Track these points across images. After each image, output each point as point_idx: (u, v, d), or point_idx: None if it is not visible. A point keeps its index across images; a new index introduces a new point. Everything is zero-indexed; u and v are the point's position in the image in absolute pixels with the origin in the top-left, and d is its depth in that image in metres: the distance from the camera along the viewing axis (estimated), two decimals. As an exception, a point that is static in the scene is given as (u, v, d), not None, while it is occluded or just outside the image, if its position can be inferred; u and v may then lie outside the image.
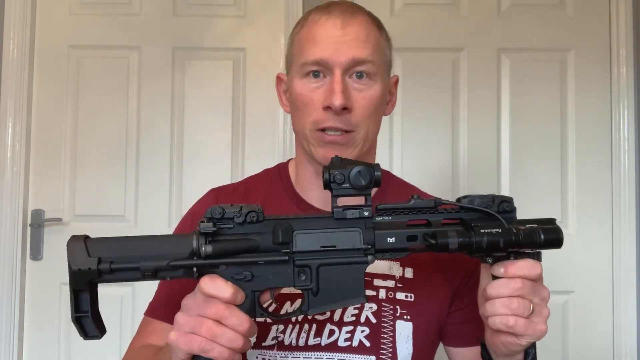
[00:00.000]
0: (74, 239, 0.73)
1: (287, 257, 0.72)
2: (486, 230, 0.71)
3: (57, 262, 2.00)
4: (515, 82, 2.03)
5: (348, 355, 0.90)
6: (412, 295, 0.93)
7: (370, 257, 0.73)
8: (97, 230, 2.11)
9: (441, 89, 2.03)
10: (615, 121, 2.00)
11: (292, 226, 0.73)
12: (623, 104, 1.99)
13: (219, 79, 2.06)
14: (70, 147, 2.04)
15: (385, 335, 0.91)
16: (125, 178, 2.03)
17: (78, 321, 0.74)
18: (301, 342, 0.90)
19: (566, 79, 2.03)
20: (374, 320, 0.91)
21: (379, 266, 0.91)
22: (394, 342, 0.91)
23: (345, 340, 0.90)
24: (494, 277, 0.74)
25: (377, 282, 0.93)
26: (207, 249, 0.70)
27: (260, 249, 0.72)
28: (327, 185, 0.73)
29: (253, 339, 0.81)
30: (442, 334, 0.98)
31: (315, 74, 0.91)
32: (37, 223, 2.01)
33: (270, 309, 0.78)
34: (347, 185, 0.73)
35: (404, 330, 0.91)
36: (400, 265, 0.94)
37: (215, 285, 0.70)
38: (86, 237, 0.73)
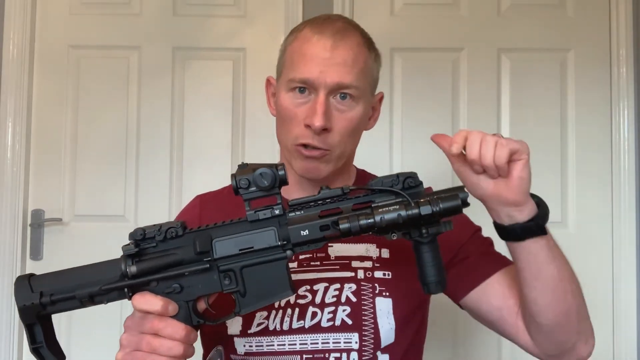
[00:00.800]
0: (19, 278, 0.79)
1: (208, 265, 0.76)
2: (384, 209, 0.74)
3: (57, 262, 1.99)
4: (515, 82, 2.03)
5: (332, 334, 0.93)
6: (390, 273, 0.97)
7: (288, 252, 0.77)
8: (97, 230, 2.12)
9: (441, 89, 2.03)
10: (615, 121, 2.00)
11: (210, 235, 0.77)
12: (623, 104, 1.99)
13: (219, 79, 2.06)
14: (70, 147, 2.04)
15: (366, 312, 0.94)
16: (125, 178, 2.04)
17: (36, 351, 0.78)
18: (285, 327, 0.93)
19: (566, 79, 2.03)
20: (354, 299, 0.95)
21: (355, 249, 0.97)
22: (375, 318, 0.94)
23: (328, 320, 0.93)
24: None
25: (355, 263, 0.97)
26: (132, 269, 0.75)
27: (184, 262, 0.76)
28: (236, 191, 0.77)
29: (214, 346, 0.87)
30: (453, 292, 0.99)
31: (301, 90, 0.95)
32: (37, 223, 2.01)
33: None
34: (254, 188, 0.76)
35: (384, 306, 0.95)
36: (377, 247, 0.99)
37: (146, 301, 0.75)
38: (31, 276, 0.79)
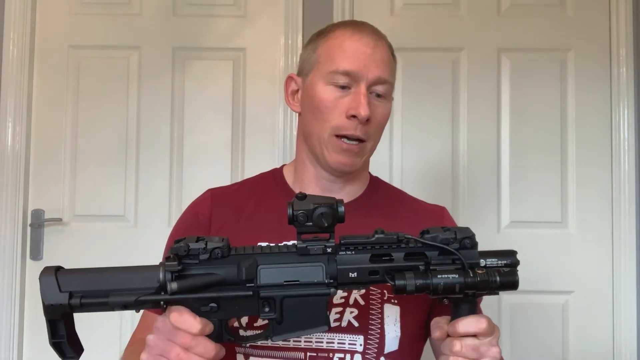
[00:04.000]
0: (45, 272, 0.74)
1: (251, 293, 0.74)
2: (443, 276, 0.73)
3: (57, 262, 1.98)
4: (515, 82, 2.03)
5: (337, 335, 0.93)
6: None
7: (332, 290, 0.76)
8: (97, 230, 2.12)
9: (441, 89, 2.03)
10: (615, 121, 2.00)
11: (256, 261, 0.75)
12: (623, 104, 1.99)
13: (219, 79, 2.06)
14: (70, 147, 2.04)
15: (373, 317, 0.95)
16: (125, 178, 2.03)
17: (56, 346, 0.78)
18: None
19: (566, 79, 2.03)
20: (362, 303, 0.95)
21: None
22: (382, 323, 0.95)
23: (335, 320, 0.94)
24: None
25: None
26: (173, 286, 0.72)
27: (225, 282, 0.74)
28: (291, 221, 0.75)
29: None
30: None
31: (342, 87, 0.98)
32: (37, 223, 2.01)
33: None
34: (310, 223, 0.74)
35: (392, 313, 0.96)
36: None
37: (184, 320, 0.72)
38: (58, 270, 0.75)
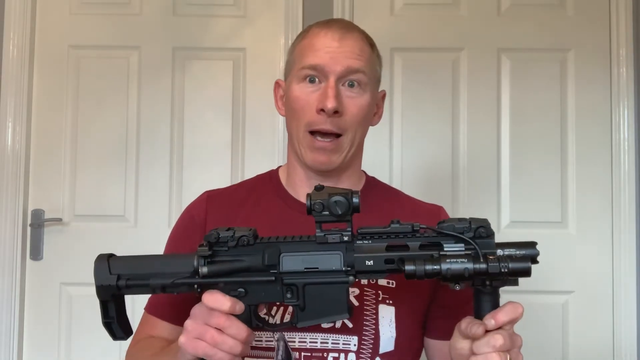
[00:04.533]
0: (99, 258, 0.84)
1: (274, 278, 0.80)
2: (452, 260, 0.74)
3: (57, 262, 2.00)
4: (515, 82, 2.03)
5: (331, 335, 0.94)
6: (394, 281, 0.98)
7: (351, 278, 0.79)
8: (97, 230, 2.12)
9: (441, 89, 2.03)
10: (615, 121, 2.00)
11: (279, 249, 0.81)
12: (623, 104, 1.99)
13: (219, 79, 2.06)
14: (70, 147, 2.04)
15: (368, 318, 0.95)
16: (125, 178, 2.03)
17: (107, 325, 0.85)
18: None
19: (566, 79, 2.03)
20: (356, 303, 0.95)
21: None
22: (376, 324, 0.95)
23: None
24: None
25: None
26: (204, 270, 0.80)
27: (251, 269, 0.81)
28: (309, 211, 0.79)
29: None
30: (426, 326, 1.02)
31: (311, 79, 0.99)
32: (37, 223, 2.01)
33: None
34: (327, 212, 0.78)
35: (387, 314, 0.96)
36: None
37: (215, 299, 0.78)
38: (110, 256, 0.84)
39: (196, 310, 0.80)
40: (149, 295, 1.06)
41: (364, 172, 1.13)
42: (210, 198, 1.08)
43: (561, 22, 2.04)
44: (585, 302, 1.97)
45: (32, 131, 2.05)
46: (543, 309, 1.98)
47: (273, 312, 0.95)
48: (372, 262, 0.78)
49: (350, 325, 0.94)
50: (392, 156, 2.03)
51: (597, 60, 2.02)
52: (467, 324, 0.77)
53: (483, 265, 0.73)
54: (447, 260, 0.74)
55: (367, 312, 0.95)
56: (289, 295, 0.80)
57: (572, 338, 1.97)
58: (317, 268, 0.79)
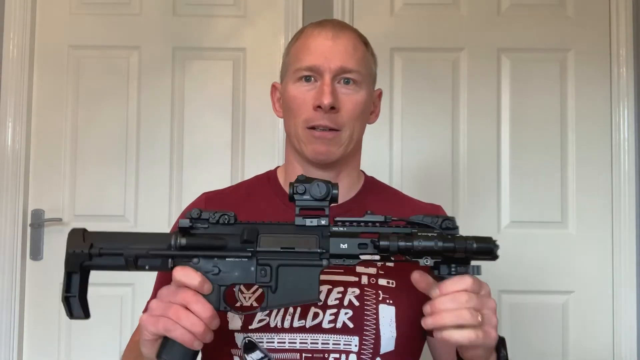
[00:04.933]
0: (74, 229, 0.85)
1: (250, 254, 0.81)
2: (423, 236, 0.80)
3: (57, 262, 1.99)
4: (515, 82, 2.03)
5: (332, 336, 0.94)
6: (394, 281, 0.99)
7: (324, 262, 0.82)
8: (97, 230, 2.11)
9: (441, 89, 2.03)
10: (615, 121, 2.00)
11: (257, 229, 0.83)
12: (623, 104, 1.99)
13: (219, 79, 2.06)
14: (70, 147, 2.04)
15: (368, 318, 0.95)
16: (125, 178, 2.03)
17: (66, 300, 0.82)
18: (286, 324, 0.94)
19: (566, 79, 2.03)
20: (357, 304, 0.96)
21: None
22: (377, 324, 0.95)
23: (329, 322, 0.94)
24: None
25: (359, 269, 0.98)
26: (182, 241, 0.81)
27: (228, 248, 0.82)
28: (291, 198, 0.83)
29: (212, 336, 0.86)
30: None
31: (307, 79, 1.01)
32: (37, 223, 2.01)
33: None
34: (308, 197, 0.83)
35: (387, 314, 0.96)
36: None
37: (186, 274, 0.78)
38: (85, 230, 0.85)
39: (163, 290, 0.80)
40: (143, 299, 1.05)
41: (363, 172, 1.14)
42: (209, 200, 1.09)
43: (561, 22, 2.04)
44: (585, 302, 1.97)
45: (32, 131, 2.05)
46: (543, 309, 1.98)
47: (273, 315, 0.95)
48: (346, 245, 0.81)
49: (351, 325, 0.94)
50: (392, 156, 2.03)
51: (597, 60, 2.02)
52: (420, 275, 0.81)
53: (451, 244, 0.78)
54: (418, 236, 0.79)
55: (367, 312, 0.95)
56: (261, 275, 0.81)
57: (572, 338, 1.97)
58: (294, 248, 0.81)
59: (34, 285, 2.01)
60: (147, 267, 0.81)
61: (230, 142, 2.04)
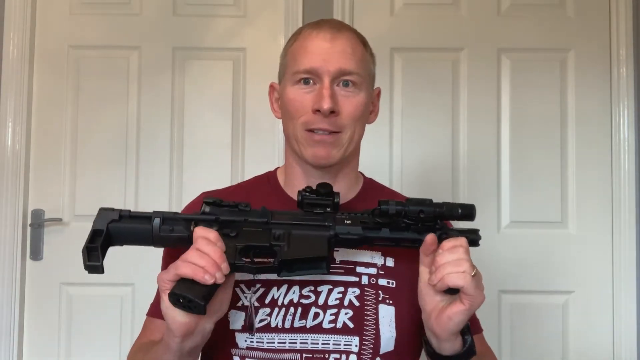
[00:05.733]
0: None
1: (265, 220, 0.89)
2: (417, 199, 0.90)
3: (57, 262, 2.00)
4: (515, 82, 2.03)
5: (332, 336, 0.94)
6: (394, 281, 0.99)
7: (332, 232, 0.89)
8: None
9: (441, 89, 2.03)
10: (615, 121, 2.00)
11: (272, 214, 0.91)
12: (623, 104, 1.99)
13: (219, 79, 2.06)
14: (70, 147, 2.04)
15: (368, 318, 0.96)
16: (125, 178, 2.03)
17: (87, 250, 0.86)
18: (287, 325, 0.95)
19: (566, 79, 2.03)
20: (357, 304, 0.96)
21: (360, 255, 1.00)
22: (377, 324, 0.96)
23: (330, 322, 0.95)
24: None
25: (360, 269, 0.99)
26: (206, 209, 0.89)
27: (246, 220, 0.90)
28: (300, 204, 0.91)
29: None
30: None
31: (306, 81, 1.00)
32: (37, 223, 2.01)
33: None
34: (314, 195, 0.92)
35: (387, 314, 0.97)
36: (382, 255, 1.01)
37: (205, 230, 0.85)
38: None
39: (178, 260, 0.83)
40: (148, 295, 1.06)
41: (362, 173, 1.14)
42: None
43: (561, 22, 2.04)
44: (585, 302, 1.97)
45: (32, 131, 2.05)
46: (543, 309, 1.98)
47: (274, 315, 0.96)
48: (350, 221, 0.90)
49: (351, 325, 0.95)
50: (392, 156, 2.03)
51: (597, 60, 2.02)
52: (432, 237, 0.88)
53: (440, 208, 0.89)
54: (413, 202, 0.89)
55: (367, 313, 0.96)
56: (276, 238, 0.88)
57: (572, 338, 1.97)
58: (304, 222, 0.89)
59: (34, 285, 2.01)
60: (171, 229, 0.86)
61: (230, 142, 2.04)
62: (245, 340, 0.95)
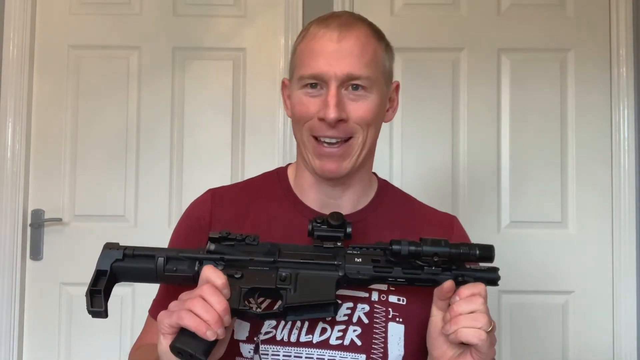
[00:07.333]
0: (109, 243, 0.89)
1: (272, 260, 0.86)
2: (431, 239, 0.86)
3: (57, 262, 2.00)
4: (515, 82, 2.03)
5: (339, 352, 0.91)
6: (404, 298, 0.95)
7: (341, 272, 0.86)
8: (97, 230, 2.12)
9: (441, 89, 2.03)
10: (615, 121, 2.00)
11: (280, 247, 0.88)
12: (623, 104, 1.99)
13: (219, 79, 2.06)
14: (70, 147, 2.04)
15: (377, 336, 0.93)
16: (125, 178, 2.03)
17: (90, 293, 0.85)
18: (293, 338, 0.92)
19: (566, 79, 2.03)
20: (366, 321, 0.93)
21: None
22: (385, 342, 0.93)
23: (337, 338, 0.92)
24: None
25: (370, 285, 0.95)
26: (211, 247, 0.87)
27: (252, 259, 0.87)
28: (310, 233, 0.89)
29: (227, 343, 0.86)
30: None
31: (313, 86, 0.95)
32: (37, 223, 2.01)
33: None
34: (325, 226, 0.89)
35: (396, 332, 0.93)
36: None
37: (213, 271, 0.80)
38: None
39: (184, 294, 0.80)
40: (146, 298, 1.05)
41: (375, 174, 1.09)
42: (215, 197, 1.03)
43: (561, 22, 2.04)
44: (585, 302, 1.97)
45: (32, 131, 2.05)
46: (543, 309, 1.98)
47: (280, 328, 0.93)
48: (361, 259, 0.87)
49: (359, 343, 0.92)
50: (392, 156, 2.03)
51: (597, 60, 2.02)
52: (451, 284, 0.85)
53: (457, 250, 0.85)
54: (427, 243, 0.85)
55: (376, 330, 0.93)
56: (283, 280, 0.84)
57: (572, 338, 1.97)
58: (312, 260, 0.86)
59: (34, 285, 2.01)
60: (175, 269, 0.85)
61: (230, 142, 2.04)
62: (250, 352, 0.92)
